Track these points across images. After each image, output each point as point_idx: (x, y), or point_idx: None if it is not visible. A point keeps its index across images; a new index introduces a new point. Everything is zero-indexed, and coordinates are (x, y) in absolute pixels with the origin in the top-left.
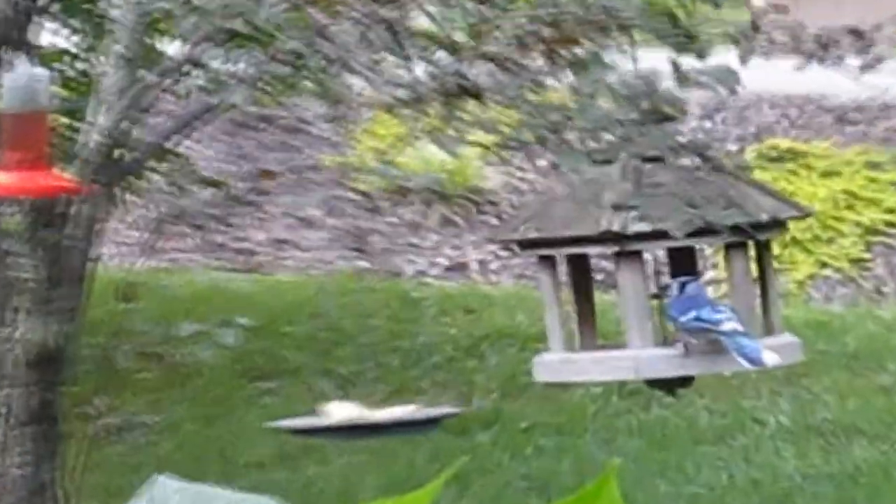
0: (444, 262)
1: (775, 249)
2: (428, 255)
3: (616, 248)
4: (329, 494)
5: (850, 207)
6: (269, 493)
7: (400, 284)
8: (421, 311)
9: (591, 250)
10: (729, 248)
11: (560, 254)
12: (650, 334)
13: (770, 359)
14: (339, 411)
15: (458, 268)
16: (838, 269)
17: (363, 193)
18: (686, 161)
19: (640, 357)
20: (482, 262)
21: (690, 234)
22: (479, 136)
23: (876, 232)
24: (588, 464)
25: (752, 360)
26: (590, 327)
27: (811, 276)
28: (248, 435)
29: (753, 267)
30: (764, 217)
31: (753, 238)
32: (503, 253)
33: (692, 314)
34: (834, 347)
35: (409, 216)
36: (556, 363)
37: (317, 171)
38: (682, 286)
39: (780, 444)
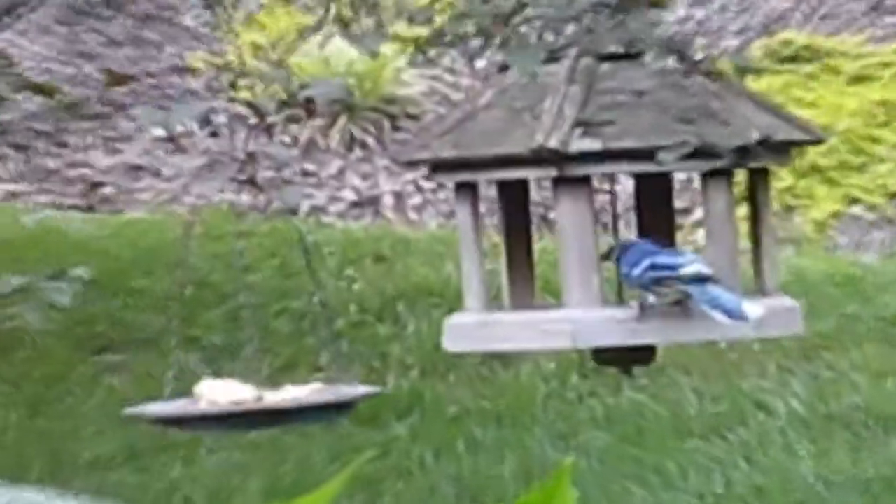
0: (349, 195)
1: (787, 180)
2: (329, 187)
3: (554, 172)
4: (197, 502)
5: (887, 124)
6: (116, 500)
7: (291, 225)
8: (319, 261)
9: (522, 174)
10: (707, 178)
11: (484, 179)
12: (595, 290)
13: (753, 311)
14: (219, 393)
15: (368, 203)
16: (872, 207)
17: (245, 104)
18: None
19: (580, 320)
20: (398, 196)
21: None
22: (402, 29)
23: None
24: (537, 464)
25: (728, 313)
26: (524, 279)
27: (835, 216)
28: (89, 424)
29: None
30: (754, 137)
31: (739, 165)
32: (427, 183)
33: (646, 262)
34: (865, 310)
35: (306, 135)
36: (472, 326)
37: (182, 73)
38: (625, 248)
39: (792, 438)
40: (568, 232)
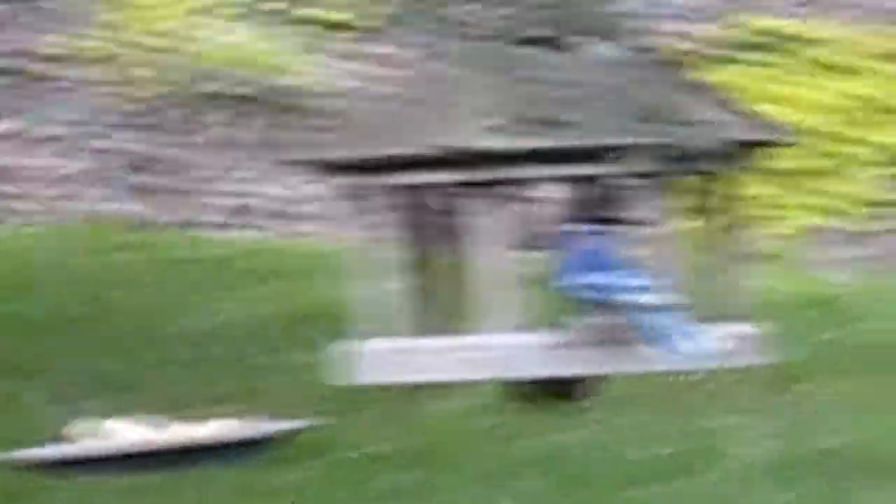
0: (252, 201)
1: (751, 187)
2: (224, 194)
3: (462, 177)
4: None
5: (871, 123)
6: None
7: (183, 237)
8: (214, 278)
9: (424, 178)
10: (646, 184)
11: (389, 184)
12: (516, 312)
13: (710, 345)
14: (122, 430)
15: (273, 212)
16: (850, 217)
17: (131, 99)
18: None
19: (502, 347)
20: (309, 202)
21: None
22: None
23: None
24: None
25: (659, 345)
26: (445, 299)
27: (808, 229)
28: None
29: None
30: (719, 138)
31: (697, 171)
32: (325, 189)
33: (587, 278)
34: (844, 336)
35: (201, 134)
36: (384, 355)
37: (56, 63)
38: (567, 240)
39: (758, 486)
40: (483, 245)
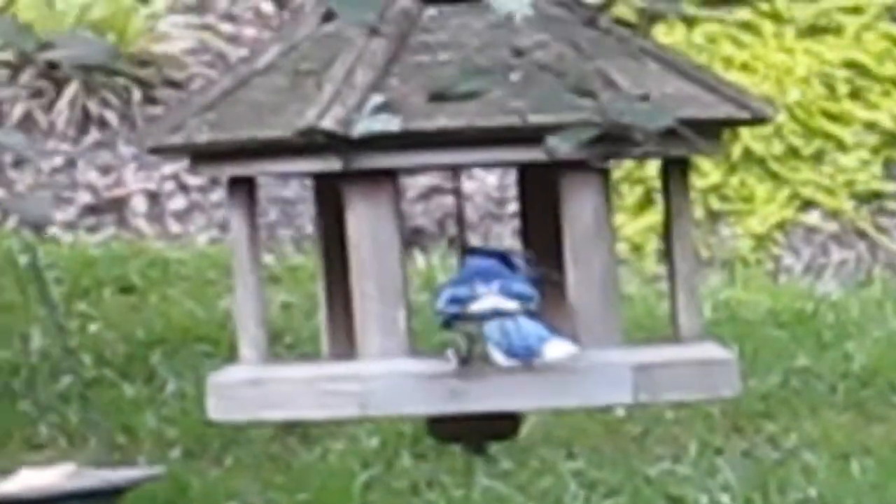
0: (82, 197)
1: (713, 175)
2: (53, 185)
3: (337, 166)
4: None
5: (855, 95)
6: None
7: (25, 239)
8: (35, 291)
9: (295, 166)
10: (566, 174)
11: (257, 173)
12: (400, 335)
13: (556, 350)
14: None
15: (110, 207)
16: (832, 213)
17: None
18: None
19: (376, 377)
20: (153, 197)
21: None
22: None
23: None
24: None
25: (515, 354)
26: (347, 317)
27: (781, 226)
28: None
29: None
30: (678, 115)
31: (648, 155)
32: (193, 179)
33: (448, 293)
34: (823, 363)
35: (18, 110)
36: (242, 385)
37: None
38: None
39: None
40: (364, 251)
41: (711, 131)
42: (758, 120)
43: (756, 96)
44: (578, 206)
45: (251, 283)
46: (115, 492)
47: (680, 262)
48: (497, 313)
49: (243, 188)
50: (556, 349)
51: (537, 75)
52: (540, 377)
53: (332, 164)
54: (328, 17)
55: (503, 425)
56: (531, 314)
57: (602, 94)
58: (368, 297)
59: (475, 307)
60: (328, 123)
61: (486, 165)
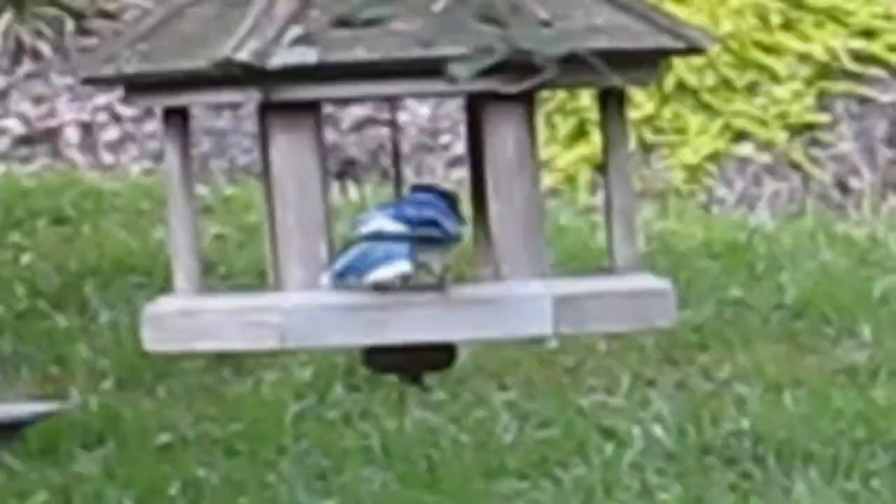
0: (14, 127)
1: (645, 107)
2: (6, 116)
3: (256, 96)
4: None
5: (790, 27)
6: None
7: None
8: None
9: (218, 97)
10: (487, 104)
11: (187, 104)
12: (321, 266)
13: (380, 274)
14: None
15: (43, 138)
16: (765, 145)
17: None
18: None
19: (296, 308)
20: (87, 128)
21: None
22: None
23: (841, 74)
24: None
25: (339, 274)
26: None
27: (714, 157)
28: None
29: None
30: (591, 43)
31: (573, 85)
32: (127, 110)
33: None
34: (756, 294)
35: None
36: (174, 316)
37: None
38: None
39: (652, 478)
40: (284, 181)
41: (647, 61)
42: (693, 50)
43: (692, 27)
44: (500, 138)
45: (185, 214)
46: (15, 426)
47: (616, 193)
48: (377, 236)
49: (177, 119)
50: (384, 272)
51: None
52: (459, 309)
53: (253, 96)
54: None
55: (438, 356)
56: (431, 240)
57: (509, 22)
58: (290, 229)
59: (362, 228)
60: (244, 56)
61: (406, 96)
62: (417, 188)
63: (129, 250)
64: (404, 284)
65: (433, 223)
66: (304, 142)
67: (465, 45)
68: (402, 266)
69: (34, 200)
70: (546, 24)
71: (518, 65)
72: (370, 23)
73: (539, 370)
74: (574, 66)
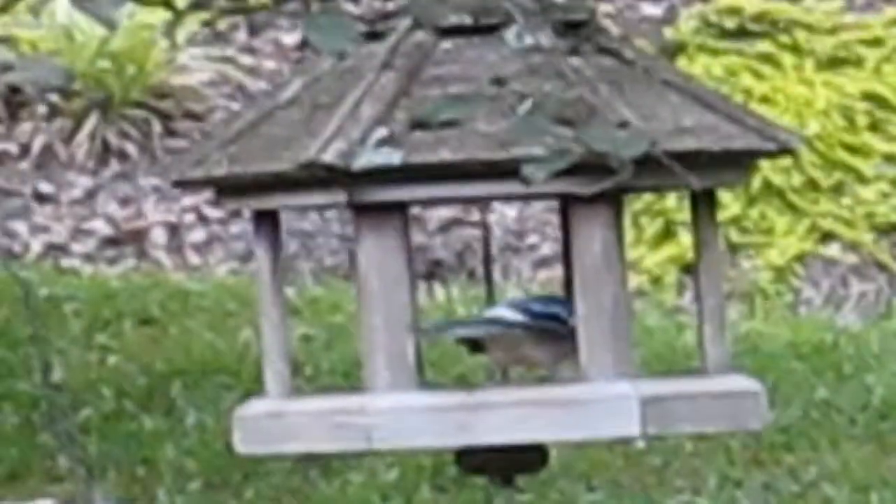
0: (101, 228)
1: (732, 207)
2: (73, 217)
3: (342, 198)
4: None
5: (875, 127)
6: None
7: (12, 273)
8: (56, 323)
9: (305, 200)
10: (573, 205)
11: (277, 206)
12: (409, 367)
13: (471, 331)
14: None
15: (130, 239)
16: (852, 246)
17: None
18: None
19: (384, 410)
20: (173, 229)
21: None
22: None
23: None
24: None
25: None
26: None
27: (800, 259)
28: None
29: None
30: (690, 144)
31: (650, 188)
32: (213, 212)
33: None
34: (843, 395)
35: (39, 141)
36: (264, 418)
37: None
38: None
39: None
40: (372, 284)
41: (735, 162)
42: (783, 151)
43: (781, 127)
44: (587, 238)
45: (275, 317)
46: None
47: (707, 294)
48: (495, 321)
49: (267, 221)
50: (473, 331)
51: (518, 105)
52: (546, 409)
53: (338, 198)
54: (305, 44)
55: (530, 457)
56: (550, 333)
57: (586, 124)
58: (376, 329)
59: (485, 313)
60: (329, 157)
61: (489, 198)
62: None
63: (215, 351)
64: (498, 378)
65: (556, 318)
66: (390, 242)
67: (542, 147)
68: (493, 330)
69: (121, 302)
70: (623, 125)
71: (595, 166)
72: (447, 125)
73: (626, 470)
74: (654, 168)
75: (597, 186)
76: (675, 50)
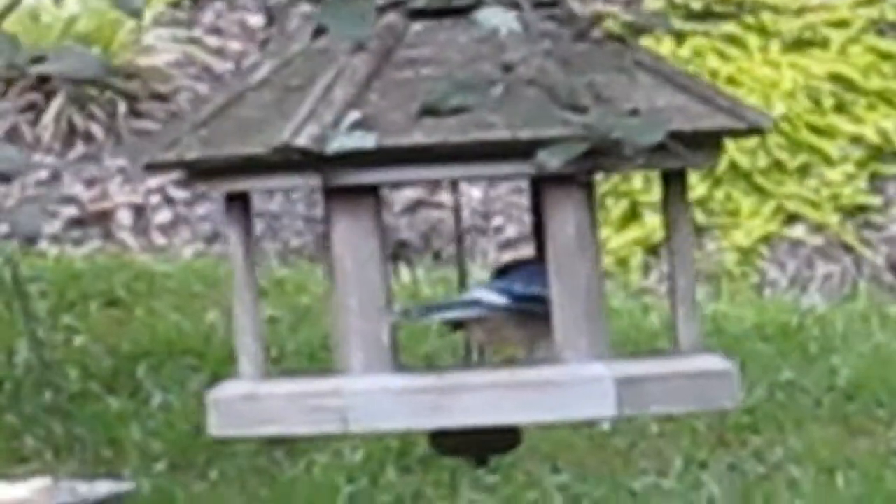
0: (67, 209)
1: (698, 188)
2: (38, 198)
3: (317, 181)
4: None
5: (841, 108)
6: None
7: (9, 252)
8: (57, 303)
9: (279, 183)
10: (546, 188)
11: (250, 188)
12: (383, 349)
13: (456, 314)
14: None
15: (95, 220)
16: (818, 227)
17: None
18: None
19: (358, 392)
20: (139, 210)
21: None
22: None
23: (893, 156)
24: None
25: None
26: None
27: (766, 240)
28: None
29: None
30: (672, 127)
31: (644, 167)
32: (179, 192)
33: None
34: (809, 376)
35: (3, 124)
36: (238, 401)
37: None
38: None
39: None
40: (346, 266)
41: (706, 142)
42: (752, 130)
43: (751, 106)
44: (561, 220)
45: (248, 299)
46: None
47: (679, 274)
48: (474, 303)
49: (238, 204)
50: (458, 314)
51: (523, 90)
52: (521, 391)
53: (312, 180)
54: (319, 31)
55: (504, 438)
56: (525, 314)
57: (592, 109)
58: (351, 311)
59: (462, 296)
60: (302, 141)
61: (466, 179)
62: (521, 263)
63: (181, 333)
64: (469, 362)
65: (537, 299)
66: (363, 224)
67: (552, 132)
68: (478, 312)
69: (86, 283)
70: (634, 112)
71: (594, 151)
72: (456, 111)
73: (591, 452)
74: (649, 151)
75: (614, 171)
76: (640, 32)
